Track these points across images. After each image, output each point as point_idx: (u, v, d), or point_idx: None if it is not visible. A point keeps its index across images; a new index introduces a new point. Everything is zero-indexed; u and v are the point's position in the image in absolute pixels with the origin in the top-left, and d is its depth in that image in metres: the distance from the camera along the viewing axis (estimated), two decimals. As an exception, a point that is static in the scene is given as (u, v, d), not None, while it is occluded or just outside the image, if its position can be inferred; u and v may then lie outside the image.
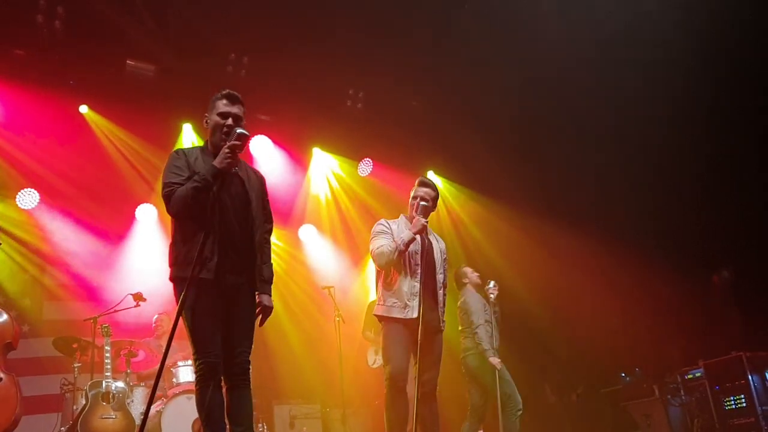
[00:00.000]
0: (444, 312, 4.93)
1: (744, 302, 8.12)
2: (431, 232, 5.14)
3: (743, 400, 7.22)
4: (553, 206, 8.97)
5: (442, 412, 4.96)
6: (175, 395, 6.73)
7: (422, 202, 4.93)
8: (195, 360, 3.75)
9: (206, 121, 3.99)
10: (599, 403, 8.66)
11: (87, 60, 7.72)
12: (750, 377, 7.17)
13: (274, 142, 9.40)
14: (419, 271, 4.79)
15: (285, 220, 10.07)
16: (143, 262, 8.38)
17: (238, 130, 3.74)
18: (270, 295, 4.02)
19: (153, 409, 6.76)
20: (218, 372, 3.74)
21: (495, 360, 6.55)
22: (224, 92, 3.96)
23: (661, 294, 7.93)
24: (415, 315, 4.66)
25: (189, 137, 8.96)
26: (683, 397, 7.74)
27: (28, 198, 7.97)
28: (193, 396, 6.61)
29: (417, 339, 4.65)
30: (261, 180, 4.16)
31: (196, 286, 3.61)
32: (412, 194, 5.07)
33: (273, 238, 10.18)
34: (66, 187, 8.11)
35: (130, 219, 8.71)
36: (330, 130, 9.40)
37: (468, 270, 7.27)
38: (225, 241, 3.76)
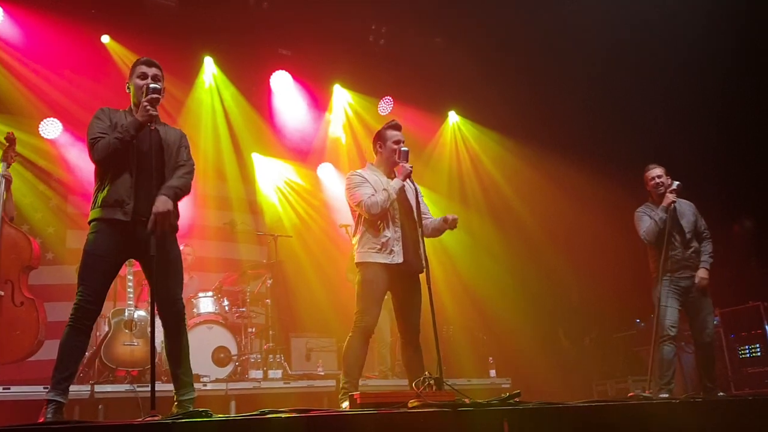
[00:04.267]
0: (425, 254, 4.86)
1: (764, 252, 8.07)
2: None
3: (758, 350, 7.25)
4: (576, 150, 8.85)
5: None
6: (196, 325, 6.88)
7: (403, 147, 4.94)
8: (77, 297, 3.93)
9: (128, 87, 4.28)
10: (612, 348, 8.71)
11: (108, -11, 7.64)
12: (766, 327, 7.18)
13: (294, 77, 9.32)
14: (398, 216, 4.86)
15: (304, 157, 10.05)
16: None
17: (151, 85, 4.05)
18: (166, 197, 4.01)
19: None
20: (91, 318, 3.94)
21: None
22: (142, 59, 4.27)
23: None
24: (400, 260, 4.75)
25: (210, 70, 8.89)
26: (697, 345, 7.76)
27: (51, 127, 7.98)
28: (214, 326, 6.86)
29: (396, 284, 4.80)
30: (179, 134, 4.37)
31: (110, 226, 3.94)
32: (388, 138, 5.01)
33: (292, 176, 10.16)
34: (88, 118, 8.06)
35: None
36: (351, 66, 9.26)
37: (650, 170, 6.12)
38: (142, 187, 4.00)
